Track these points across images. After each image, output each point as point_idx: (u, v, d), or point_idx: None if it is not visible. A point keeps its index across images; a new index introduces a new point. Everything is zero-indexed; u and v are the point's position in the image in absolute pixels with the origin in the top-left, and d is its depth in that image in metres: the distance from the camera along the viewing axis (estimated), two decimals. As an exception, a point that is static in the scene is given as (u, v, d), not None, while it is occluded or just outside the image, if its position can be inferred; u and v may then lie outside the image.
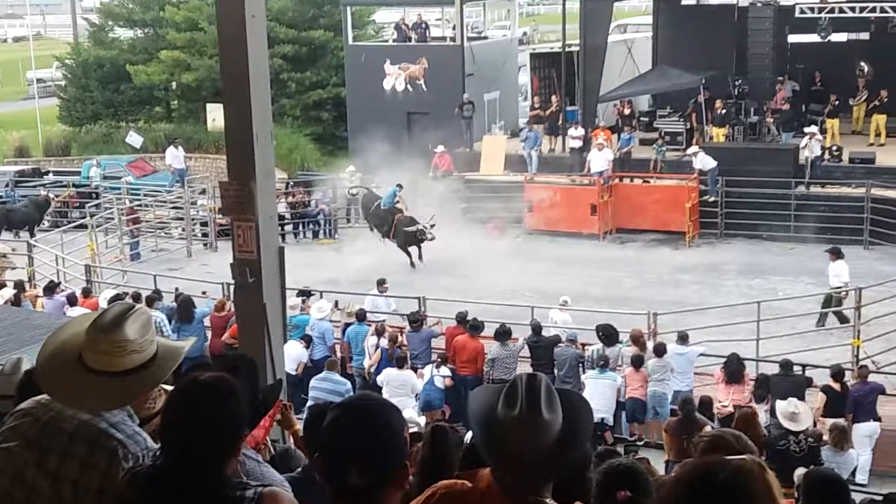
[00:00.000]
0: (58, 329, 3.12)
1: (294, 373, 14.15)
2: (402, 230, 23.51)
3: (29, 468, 2.92)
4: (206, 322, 16.50)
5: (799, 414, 10.39)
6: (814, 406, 12.06)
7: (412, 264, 23.55)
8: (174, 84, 37.45)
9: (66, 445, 2.91)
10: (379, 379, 13.84)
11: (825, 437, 10.88)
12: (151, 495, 2.74)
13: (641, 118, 29.06)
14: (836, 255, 17.64)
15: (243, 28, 7.56)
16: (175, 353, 3.07)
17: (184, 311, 16.05)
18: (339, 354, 15.46)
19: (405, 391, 13.63)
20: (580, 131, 27.15)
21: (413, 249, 23.71)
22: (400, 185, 24.39)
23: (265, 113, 7.87)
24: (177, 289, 18.12)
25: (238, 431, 2.85)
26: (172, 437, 2.76)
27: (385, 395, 13.28)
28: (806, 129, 24.73)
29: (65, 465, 2.90)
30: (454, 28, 31.83)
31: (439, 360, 14.19)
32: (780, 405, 10.66)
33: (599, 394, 12.89)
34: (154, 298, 16.44)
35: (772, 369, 13.60)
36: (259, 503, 2.74)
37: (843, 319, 16.96)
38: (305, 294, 16.91)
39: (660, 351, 13.44)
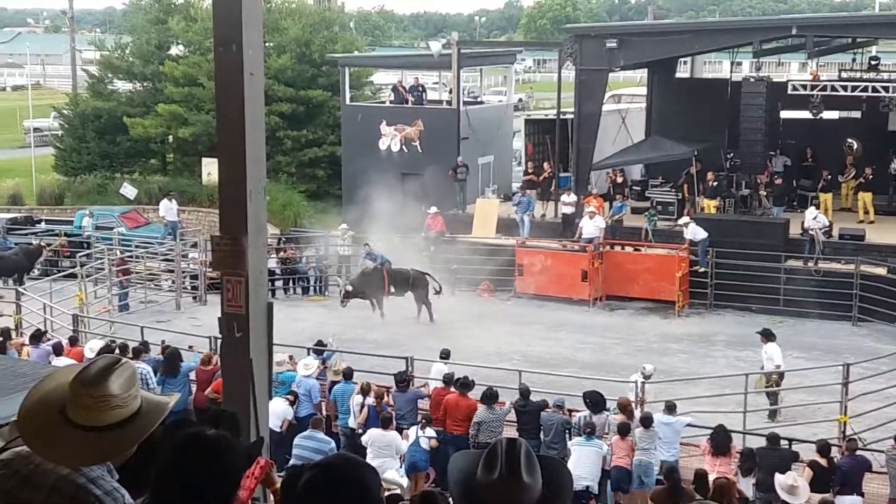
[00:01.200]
0: (41, 380, 3.07)
1: (279, 430, 14.04)
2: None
3: None
4: (192, 376, 16.42)
5: (798, 487, 10.36)
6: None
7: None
8: (170, 137, 37.69)
9: (46, 499, 2.87)
10: (364, 439, 13.72)
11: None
12: None
13: (634, 187, 29.29)
14: (768, 337, 17.40)
15: (241, 85, 7.61)
16: (159, 408, 3.04)
17: (170, 365, 15.97)
18: (324, 412, 15.36)
19: (389, 452, 13.52)
20: (572, 198, 27.34)
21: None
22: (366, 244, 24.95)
23: (259, 169, 7.89)
24: (163, 341, 18.04)
25: (235, 486, 2.89)
26: (170, 489, 2.77)
27: (369, 455, 13.21)
28: (810, 210, 24.72)
29: None
30: (450, 92, 32.19)
31: (424, 420, 14.09)
32: (780, 478, 10.62)
33: (585, 461, 12.81)
34: (141, 350, 16.39)
35: (758, 442, 13.54)
36: None
37: (773, 401, 16.91)
38: (321, 347, 17.08)
39: (647, 422, 13.36)
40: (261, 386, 8.01)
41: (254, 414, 7.92)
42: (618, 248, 25.75)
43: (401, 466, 13.58)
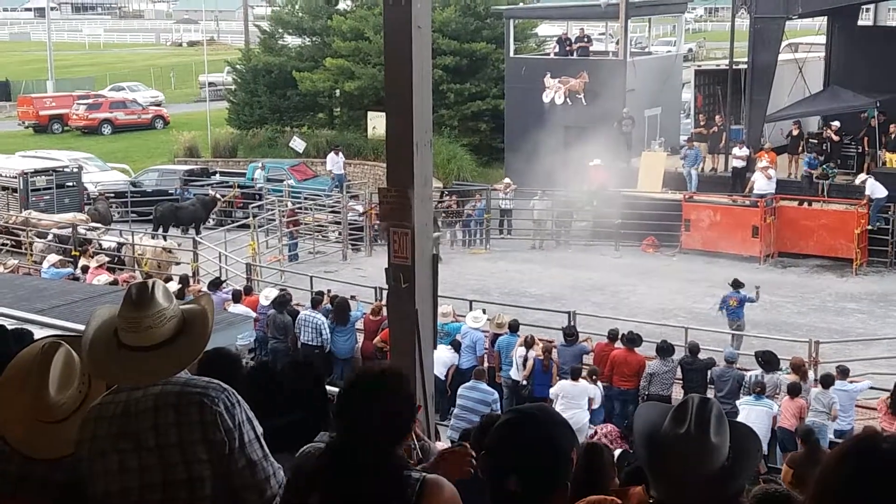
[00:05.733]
0: (96, 310, 3.24)
1: (443, 378, 14.24)
2: None
3: (131, 457, 3.01)
4: (359, 325, 16.82)
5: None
6: None
7: None
8: (338, 91, 38.33)
9: (154, 418, 2.99)
10: (552, 391, 13.81)
11: None
12: (328, 474, 2.91)
13: (811, 140, 28.06)
14: None
15: (409, 39, 7.62)
16: (200, 313, 3.16)
17: (340, 314, 16.41)
18: (485, 364, 15.46)
19: (579, 403, 13.54)
20: (745, 151, 26.40)
21: None
22: None
23: (426, 122, 7.92)
24: (329, 291, 18.49)
25: (413, 416, 3.06)
26: (356, 419, 2.92)
27: (559, 406, 13.26)
28: None
29: (162, 436, 2.99)
30: (617, 43, 31.49)
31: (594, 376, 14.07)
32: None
33: (755, 420, 12.41)
34: (318, 300, 16.87)
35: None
36: (422, 487, 2.89)
37: None
38: None
39: (827, 382, 12.87)
40: (426, 335, 8.11)
41: (419, 362, 8.03)
42: (794, 204, 24.76)
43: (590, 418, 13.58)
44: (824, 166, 25.62)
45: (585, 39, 32.16)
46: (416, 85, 7.73)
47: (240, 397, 3.09)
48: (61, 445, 3.12)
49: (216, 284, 18.46)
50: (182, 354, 3.07)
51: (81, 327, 8.85)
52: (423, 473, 2.96)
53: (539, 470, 2.64)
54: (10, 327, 4.77)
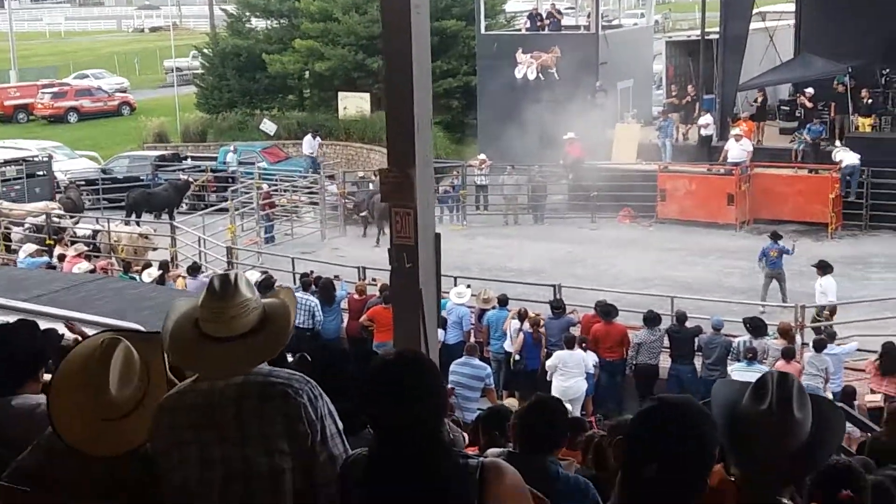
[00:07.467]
0: (176, 302, 3.19)
1: (431, 355, 14.24)
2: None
3: (213, 448, 2.97)
4: (344, 305, 16.82)
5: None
6: None
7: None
8: (307, 73, 38.12)
9: (236, 410, 2.95)
10: (549, 363, 13.88)
11: None
12: (376, 472, 2.78)
13: (782, 107, 28.28)
14: (824, 270, 16.95)
15: (408, 22, 7.61)
16: (280, 306, 3.12)
17: (326, 294, 16.41)
18: (472, 339, 15.50)
19: (580, 371, 13.67)
20: (709, 119, 26.61)
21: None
22: None
23: (426, 101, 7.89)
24: (311, 272, 18.43)
25: (446, 400, 2.98)
26: (397, 406, 2.77)
27: (559, 377, 13.49)
28: None
29: (245, 427, 2.94)
30: (588, 16, 31.51)
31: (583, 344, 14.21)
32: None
33: (748, 387, 12.58)
34: (307, 283, 16.84)
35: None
36: (482, 472, 2.76)
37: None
38: None
39: (819, 346, 13.06)
40: (430, 316, 8.12)
41: (425, 344, 8.04)
42: (769, 171, 24.95)
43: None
44: (795, 133, 25.84)
45: (556, 14, 32.16)
46: (416, 65, 7.73)
47: (321, 390, 3.04)
48: (122, 442, 3.10)
49: (195, 269, 18.36)
50: (265, 345, 3.02)
51: (68, 314, 8.74)
52: (483, 459, 2.84)
53: (683, 459, 2.46)
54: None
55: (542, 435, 4.61)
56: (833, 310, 15.67)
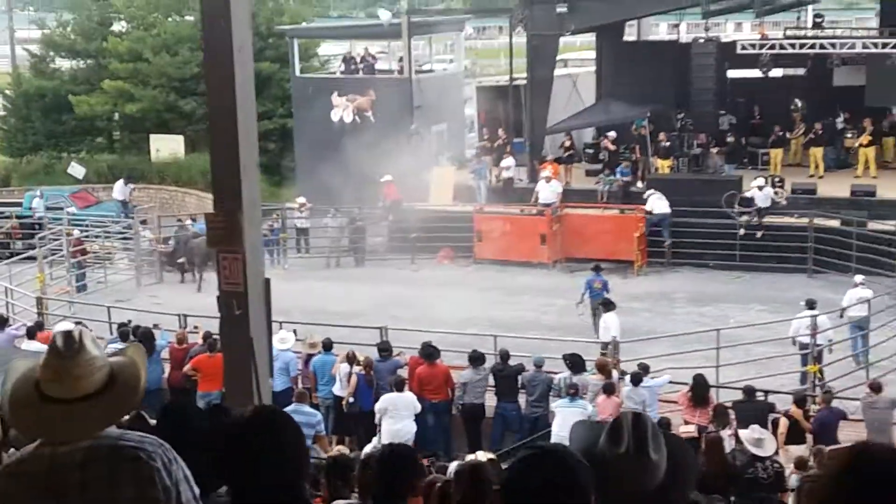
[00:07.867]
0: (14, 363, 2.95)
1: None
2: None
3: None
4: (164, 354, 16.39)
5: (763, 440, 10.66)
6: (780, 432, 12.33)
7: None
8: (117, 115, 37.12)
9: (82, 474, 2.74)
10: (378, 406, 13.84)
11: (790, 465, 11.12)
12: None
13: (587, 150, 29.56)
14: (606, 307, 17.80)
15: (231, 61, 7.65)
16: (129, 364, 2.92)
17: (146, 344, 15.85)
18: (299, 385, 15.40)
19: (409, 414, 13.70)
20: (510, 161, 27.62)
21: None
22: None
23: (251, 144, 7.94)
24: (129, 321, 17.92)
25: (307, 458, 2.93)
26: (256, 470, 2.71)
27: (388, 420, 13.45)
28: (756, 182, 24.53)
29: (91, 492, 2.73)
30: (400, 60, 32.07)
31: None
32: (744, 433, 10.88)
33: (571, 423, 12.94)
34: (127, 333, 16.26)
35: (731, 396, 13.88)
36: None
37: None
38: None
39: (636, 379, 13.64)
40: (262, 363, 8.05)
41: (257, 391, 7.97)
42: (578, 212, 25.94)
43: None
44: (600, 175, 27.05)
45: (370, 58, 32.60)
46: (241, 106, 7.76)
47: (176, 454, 2.85)
48: None
49: (2, 322, 17.47)
50: (114, 406, 2.83)
51: None
52: None
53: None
54: None
55: (390, 484, 4.58)
56: (616, 345, 16.02)
